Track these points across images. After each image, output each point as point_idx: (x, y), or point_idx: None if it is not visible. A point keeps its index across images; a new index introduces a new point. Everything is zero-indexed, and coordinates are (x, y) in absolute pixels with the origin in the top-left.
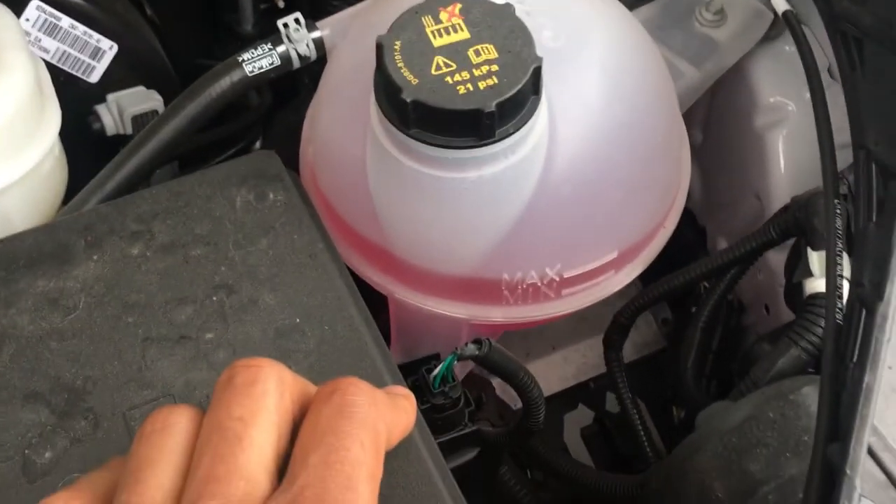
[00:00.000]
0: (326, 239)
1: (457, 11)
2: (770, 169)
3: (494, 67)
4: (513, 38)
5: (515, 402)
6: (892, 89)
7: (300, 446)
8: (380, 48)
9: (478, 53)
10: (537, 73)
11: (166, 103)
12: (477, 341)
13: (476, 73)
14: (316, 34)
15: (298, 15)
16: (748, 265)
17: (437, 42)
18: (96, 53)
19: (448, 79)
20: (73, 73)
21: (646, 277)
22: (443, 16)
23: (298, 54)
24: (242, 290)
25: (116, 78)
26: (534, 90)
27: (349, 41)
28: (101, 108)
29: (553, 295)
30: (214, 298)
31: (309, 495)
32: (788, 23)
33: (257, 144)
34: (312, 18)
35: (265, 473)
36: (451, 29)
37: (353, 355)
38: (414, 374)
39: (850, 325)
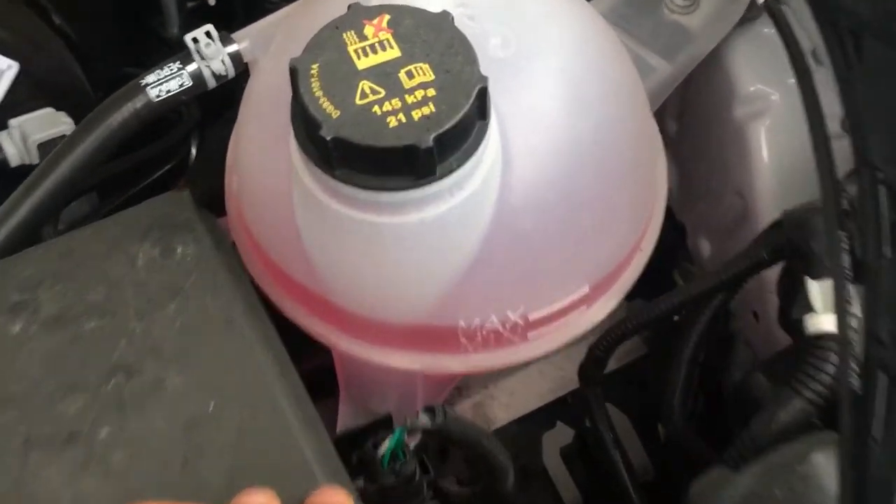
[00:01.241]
0: (249, 298)
1: (384, 24)
2: (752, 164)
3: (431, 92)
4: (452, 53)
5: (493, 422)
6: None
7: None
8: (294, 73)
9: (410, 75)
10: (482, 95)
11: None
12: (429, 409)
13: (409, 99)
14: (232, 48)
15: (210, 27)
16: (736, 291)
17: (362, 63)
18: None
19: (376, 108)
20: None
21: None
22: (368, 30)
23: (213, 72)
24: (145, 371)
25: (20, 100)
26: (480, 115)
27: (272, 54)
28: (2, 136)
29: (517, 339)
30: (111, 383)
31: None
32: (769, 10)
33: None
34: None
35: None
36: (378, 46)
37: (279, 447)
38: (359, 447)
39: (869, 392)
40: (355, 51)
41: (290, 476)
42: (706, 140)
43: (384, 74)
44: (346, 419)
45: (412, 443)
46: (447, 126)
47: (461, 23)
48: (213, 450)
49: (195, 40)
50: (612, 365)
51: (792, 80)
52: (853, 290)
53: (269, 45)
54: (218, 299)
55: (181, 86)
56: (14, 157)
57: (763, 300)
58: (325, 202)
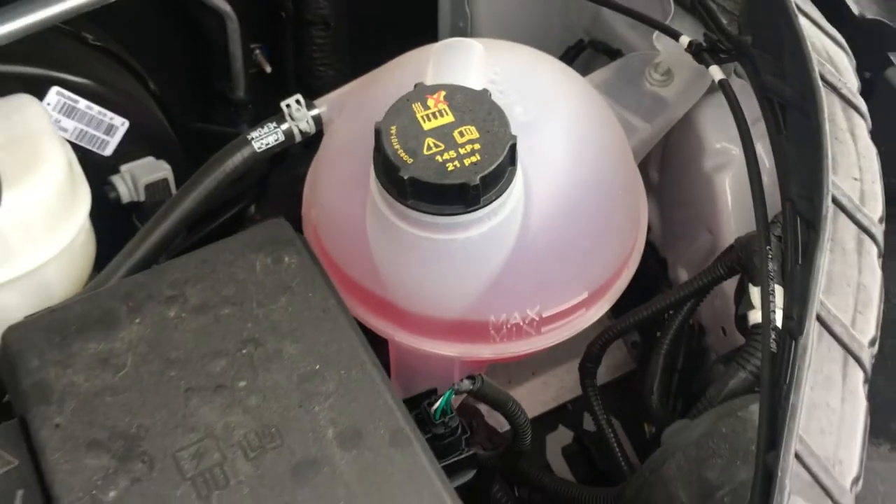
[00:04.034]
0: (336, 295)
1: (442, 98)
2: (719, 207)
3: (476, 146)
4: (490, 119)
5: (502, 426)
6: (808, 150)
7: None
8: (378, 133)
9: (462, 134)
10: (513, 148)
11: (175, 170)
12: (471, 377)
13: (461, 151)
14: (314, 112)
15: (299, 96)
16: (702, 298)
17: (427, 125)
18: (110, 129)
19: (438, 157)
20: (90, 148)
21: (615, 305)
22: (430, 102)
23: (300, 130)
24: (268, 343)
25: (127, 150)
26: (510, 162)
27: (345, 117)
28: (115, 179)
29: (534, 332)
30: (244, 351)
31: None
32: (724, 90)
33: (252, 208)
34: (299, 84)
35: None
36: (437, 114)
37: (367, 395)
38: (416, 408)
39: (783, 353)
40: (421, 116)
41: (377, 413)
42: (682, 187)
43: (443, 133)
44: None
45: (456, 403)
46: (489, 170)
47: (494, 96)
48: (320, 396)
49: (288, 105)
50: (605, 378)
51: None
52: (779, 291)
53: (339, 110)
54: (316, 294)
55: (276, 140)
56: (125, 195)
57: (729, 318)
58: (397, 224)
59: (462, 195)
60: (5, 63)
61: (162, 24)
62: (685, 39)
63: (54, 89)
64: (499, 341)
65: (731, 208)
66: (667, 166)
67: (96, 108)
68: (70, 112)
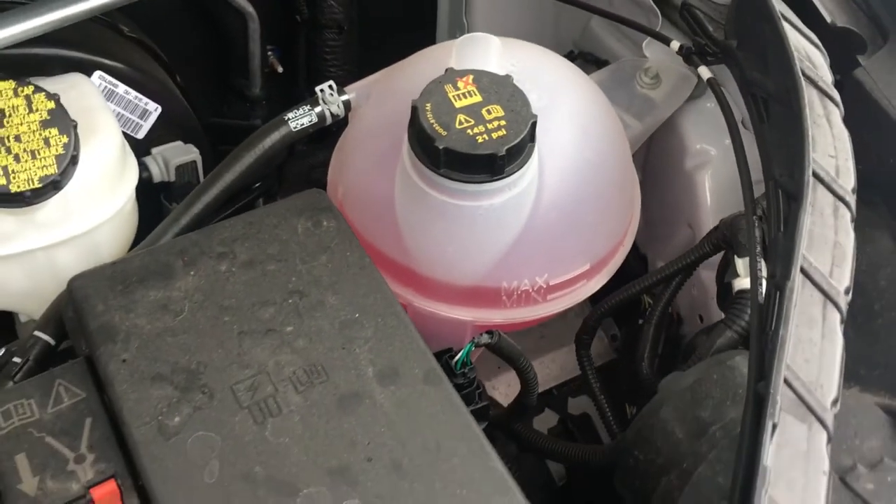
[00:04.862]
0: (368, 256)
1: (470, 81)
2: (699, 202)
3: (503, 122)
4: (514, 100)
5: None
6: (788, 135)
7: None
8: (415, 109)
9: (489, 112)
10: (534, 126)
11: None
12: (489, 332)
13: (489, 126)
14: (345, 97)
15: (332, 82)
16: (689, 274)
17: (459, 104)
18: (144, 114)
19: (469, 131)
20: (125, 130)
21: (596, 297)
22: (460, 84)
23: (331, 113)
24: (311, 294)
25: (157, 135)
26: (531, 139)
27: (373, 103)
28: (148, 160)
29: (541, 299)
30: (290, 301)
31: None
32: (712, 87)
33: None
34: (311, 83)
35: None
36: (467, 94)
37: (402, 339)
38: (438, 360)
39: (769, 304)
40: (453, 96)
41: (411, 356)
42: (665, 186)
43: (472, 111)
44: None
45: (474, 357)
46: (514, 142)
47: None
48: (359, 340)
49: (321, 90)
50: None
51: (727, 141)
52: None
53: (367, 97)
54: (353, 253)
55: (310, 121)
56: (157, 175)
57: (706, 306)
58: (427, 192)
59: (489, 165)
60: (55, 47)
61: (186, 21)
62: (676, 44)
63: (97, 73)
64: (509, 307)
65: (710, 203)
66: (650, 167)
67: (133, 92)
68: (110, 95)
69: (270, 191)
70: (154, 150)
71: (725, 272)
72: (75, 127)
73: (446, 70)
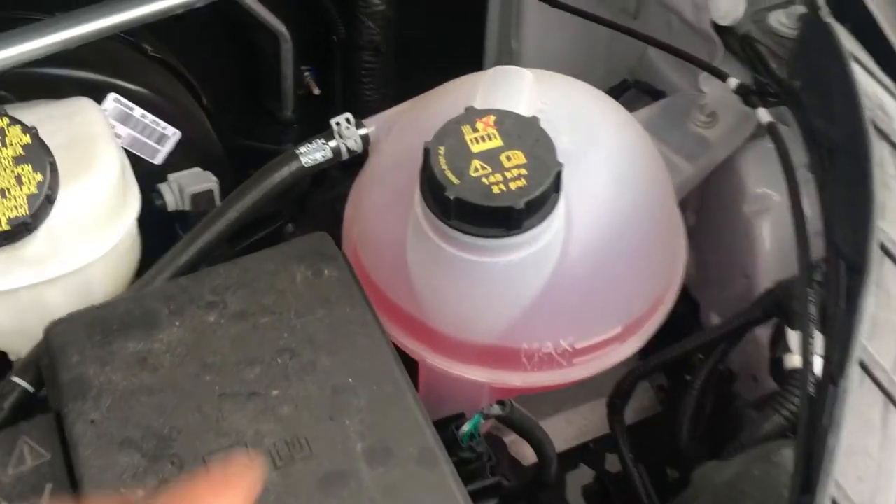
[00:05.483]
0: (373, 312)
1: (491, 122)
2: (757, 251)
3: (523, 171)
4: (538, 145)
5: (525, 459)
6: (856, 194)
7: None
8: (427, 152)
9: (509, 158)
10: (558, 175)
11: (221, 182)
12: (501, 402)
13: (507, 175)
14: (363, 131)
15: (349, 115)
16: (737, 340)
17: (475, 148)
18: (161, 139)
19: (484, 180)
20: (141, 155)
21: (643, 346)
22: (479, 125)
23: (347, 148)
24: (303, 354)
25: (176, 160)
26: (555, 189)
27: (392, 139)
28: (163, 187)
29: (565, 363)
30: (279, 360)
31: None
32: (772, 133)
33: (289, 226)
34: (347, 106)
35: None
36: (486, 137)
37: (398, 412)
38: (443, 430)
39: (821, 396)
40: (470, 139)
41: (406, 431)
42: (720, 230)
43: (490, 156)
44: None
45: (484, 429)
46: (534, 194)
47: (543, 123)
48: (351, 410)
49: (338, 123)
50: (630, 419)
51: None
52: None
53: (387, 131)
54: (354, 309)
55: (324, 156)
56: (171, 203)
57: (760, 365)
58: (438, 243)
59: (506, 218)
60: (67, 67)
61: (217, 41)
62: (733, 81)
63: (111, 96)
64: (530, 370)
65: (770, 253)
66: (705, 209)
67: (150, 116)
68: (125, 119)
69: (288, 222)
70: (171, 177)
71: (777, 343)
72: (52, 164)
73: (466, 108)
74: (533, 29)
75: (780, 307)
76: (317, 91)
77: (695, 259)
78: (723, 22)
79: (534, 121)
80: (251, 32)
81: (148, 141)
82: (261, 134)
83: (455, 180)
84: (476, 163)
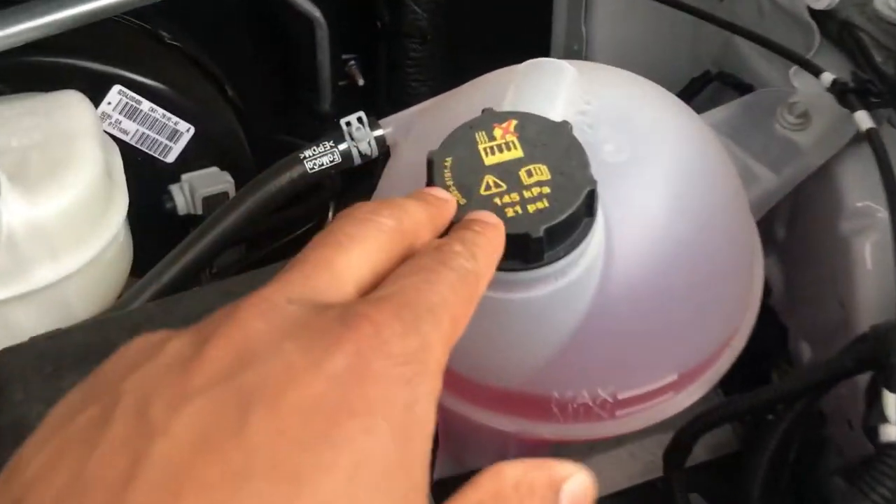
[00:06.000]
0: None
1: (512, 128)
2: (856, 277)
3: (546, 190)
4: (568, 158)
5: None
6: None
7: (394, 273)
8: (430, 164)
9: (530, 174)
10: (591, 196)
11: (241, 183)
12: None
13: (526, 194)
14: (378, 132)
15: (362, 114)
16: (820, 395)
17: (489, 160)
18: (174, 135)
19: (497, 199)
20: (151, 153)
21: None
22: (497, 132)
23: (360, 152)
24: None
25: (192, 158)
26: (587, 212)
27: (412, 140)
28: (174, 189)
29: (606, 415)
30: None
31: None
32: (871, 141)
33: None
34: (389, 99)
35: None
36: (504, 147)
37: None
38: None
39: None
40: (484, 149)
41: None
42: (813, 249)
43: (507, 171)
44: (443, 469)
45: None
46: (558, 220)
47: (580, 129)
48: None
49: (348, 124)
50: (703, 456)
51: None
52: None
53: (409, 131)
54: None
55: (332, 161)
56: (182, 207)
57: (857, 409)
58: None
59: (522, 248)
60: (68, 56)
61: (246, 27)
62: (828, 77)
63: (116, 88)
64: (562, 421)
65: (870, 279)
66: (796, 223)
67: (160, 110)
68: (132, 113)
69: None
70: (184, 178)
71: (871, 406)
72: None
73: (483, 111)
74: (605, 12)
75: (875, 358)
76: (361, 81)
77: (785, 279)
78: (817, 5)
79: (564, 127)
80: (283, 18)
81: (159, 137)
82: (299, 129)
83: (461, 199)
84: (489, 178)
